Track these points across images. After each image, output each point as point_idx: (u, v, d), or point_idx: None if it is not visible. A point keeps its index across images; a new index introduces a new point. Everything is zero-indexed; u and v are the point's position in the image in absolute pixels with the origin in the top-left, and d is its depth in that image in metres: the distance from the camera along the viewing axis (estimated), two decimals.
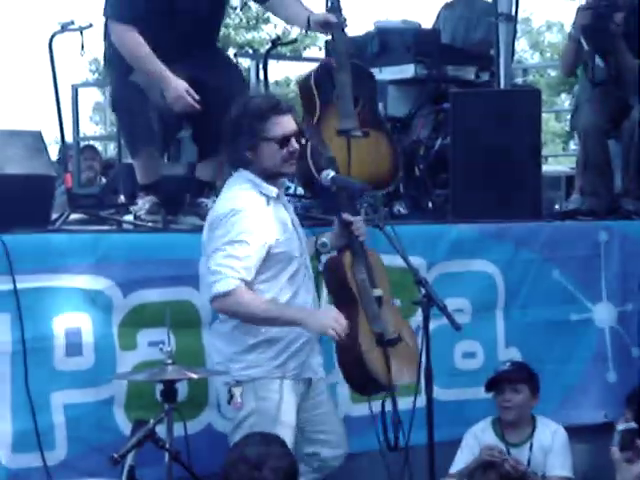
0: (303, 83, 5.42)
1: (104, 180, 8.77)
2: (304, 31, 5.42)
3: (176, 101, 4.99)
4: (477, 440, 5.20)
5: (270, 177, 4.35)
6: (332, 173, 4.58)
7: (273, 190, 4.36)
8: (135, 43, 4.99)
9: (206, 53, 5.25)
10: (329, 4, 5.25)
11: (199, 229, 4.68)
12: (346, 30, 5.22)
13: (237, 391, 4.28)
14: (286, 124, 4.31)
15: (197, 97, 4.97)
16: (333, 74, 5.25)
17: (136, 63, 5.05)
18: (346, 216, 4.51)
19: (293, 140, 4.33)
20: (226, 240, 4.20)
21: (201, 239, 4.40)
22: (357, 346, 4.42)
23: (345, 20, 5.18)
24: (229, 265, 4.17)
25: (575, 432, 5.43)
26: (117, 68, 5.22)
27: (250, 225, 4.22)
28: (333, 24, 5.15)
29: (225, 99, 4.76)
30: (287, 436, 4.24)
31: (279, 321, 4.28)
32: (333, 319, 4.24)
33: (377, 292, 4.56)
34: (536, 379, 5.26)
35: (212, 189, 5.44)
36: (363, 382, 4.54)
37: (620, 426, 4.06)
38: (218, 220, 4.26)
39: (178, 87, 4.95)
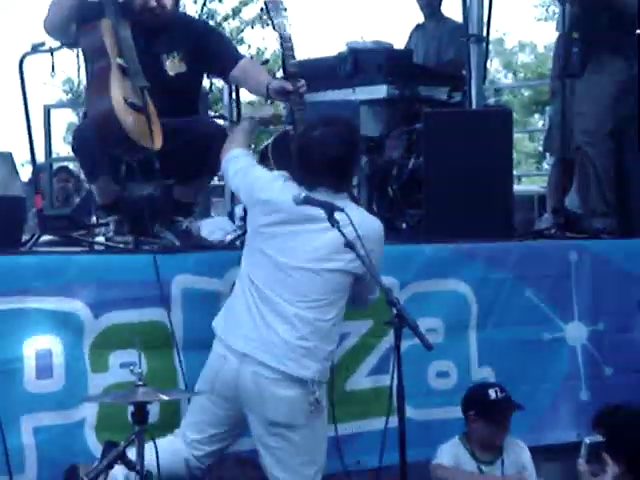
0: (261, 152, 5.35)
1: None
2: (265, 100, 5.35)
3: None
4: (454, 455, 5.19)
5: None
6: (304, 193, 4.60)
7: None
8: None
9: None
10: (286, 71, 5.10)
11: (170, 250, 4.72)
12: (304, 95, 5.02)
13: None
14: None
15: None
16: (290, 143, 5.13)
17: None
18: None
19: None
20: None
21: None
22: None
23: (303, 85, 5.01)
24: None
25: (546, 451, 5.43)
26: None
27: None
28: (290, 91, 5.01)
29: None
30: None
31: None
32: None
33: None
34: None
35: (189, 210, 5.52)
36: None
37: (587, 439, 4.07)
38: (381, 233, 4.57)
39: None
